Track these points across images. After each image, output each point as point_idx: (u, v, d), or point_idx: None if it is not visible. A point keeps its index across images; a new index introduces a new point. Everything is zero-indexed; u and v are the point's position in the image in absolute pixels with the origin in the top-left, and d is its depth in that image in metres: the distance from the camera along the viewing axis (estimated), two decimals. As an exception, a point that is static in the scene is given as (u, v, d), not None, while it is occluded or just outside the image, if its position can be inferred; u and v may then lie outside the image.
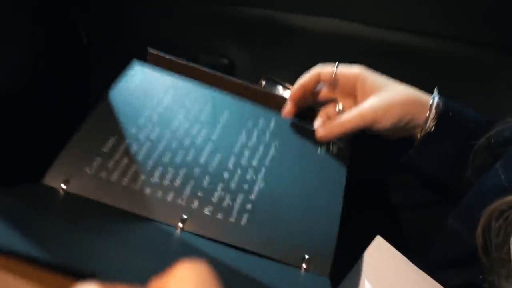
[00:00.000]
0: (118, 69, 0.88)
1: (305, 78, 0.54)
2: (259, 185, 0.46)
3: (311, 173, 0.49)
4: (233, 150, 0.48)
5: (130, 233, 0.38)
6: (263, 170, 0.47)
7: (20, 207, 0.35)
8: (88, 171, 0.42)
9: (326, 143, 0.52)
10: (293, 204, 0.45)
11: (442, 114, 0.49)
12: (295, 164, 0.49)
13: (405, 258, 0.45)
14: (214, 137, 0.49)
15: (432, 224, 0.51)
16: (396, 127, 0.49)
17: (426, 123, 0.49)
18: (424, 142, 0.50)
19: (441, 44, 0.69)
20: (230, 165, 0.47)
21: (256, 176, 0.46)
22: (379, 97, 0.49)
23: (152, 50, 0.58)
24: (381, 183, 0.70)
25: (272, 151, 0.49)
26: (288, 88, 0.84)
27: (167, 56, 0.58)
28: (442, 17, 0.69)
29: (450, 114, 0.49)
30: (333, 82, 0.54)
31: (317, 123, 0.53)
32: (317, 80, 0.54)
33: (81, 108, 0.88)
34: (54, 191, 0.40)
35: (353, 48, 0.74)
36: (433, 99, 0.50)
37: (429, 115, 0.49)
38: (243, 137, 0.50)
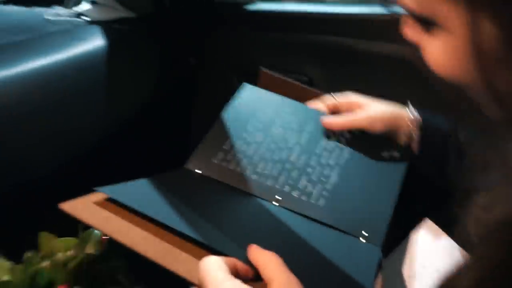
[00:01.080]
0: (220, 84, 1.08)
1: (320, 107, 0.69)
2: (333, 178, 0.60)
3: (375, 172, 0.62)
4: (315, 152, 0.63)
5: (241, 208, 0.56)
6: (337, 168, 0.61)
7: (171, 187, 0.53)
8: (214, 161, 0.60)
9: (389, 150, 0.65)
10: (358, 194, 0.59)
11: (420, 125, 0.64)
12: (362, 164, 0.63)
13: (448, 238, 0.55)
14: (302, 141, 0.64)
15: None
16: (385, 131, 0.64)
17: (410, 133, 0.64)
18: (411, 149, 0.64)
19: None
20: (313, 162, 0.62)
21: (332, 172, 0.61)
22: (371, 106, 0.65)
23: (263, 69, 0.75)
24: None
25: (345, 154, 0.63)
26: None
27: (276, 75, 0.75)
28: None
29: (425, 123, 0.63)
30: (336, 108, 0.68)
31: (327, 120, 0.66)
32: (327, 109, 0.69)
33: (190, 111, 1.10)
34: (192, 173, 0.58)
35: (412, 68, 0.86)
36: (410, 113, 0.64)
37: (411, 127, 0.64)
38: (323, 142, 0.64)
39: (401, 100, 0.90)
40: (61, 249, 0.54)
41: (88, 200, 0.46)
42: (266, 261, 0.40)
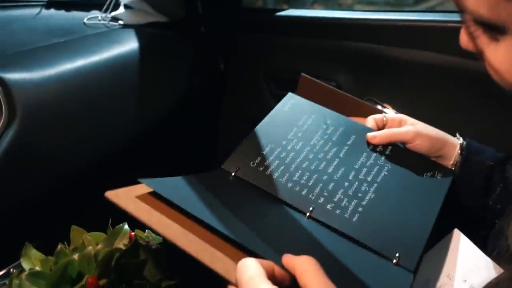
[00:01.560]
0: (247, 89, 1.09)
1: (368, 125, 0.68)
2: (370, 195, 0.58)
3: (415, 193, 0.60)
4: (354, 167, 0.61)
5: (274, 215, 0.55)
6: (375, 185, 0.59)
7: (207, 186, 0.54)
8: (251, 164, 0.59)
9: (432, 171, 0.63)
10: (395, 214, 0.57)
11: (465, 154, 0.62)
12: (401, 183, 0.61)
13: (478, 249, 0.53)
14: (341, 154, 0.63)
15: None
16: (430, 149, 0.62)
17: (453, 159, 0.62)
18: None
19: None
20: (350, 177, 0.60)
21: (369, 188, 0.59)
22: (418, 124, 0.64)
23: (304, 75, 0.75)
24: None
25: (384, 171, 0.61)
26: (386, 107, 0.97)
27: (315, 80, 0.75)
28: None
29: (472, 154, 0.62)
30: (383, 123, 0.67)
31: (372, 133, 0.65)
32: (374, 125, 0.67)
33: (218, 114, 1.11)
34: (228, 175, 0.58)
35: (440, 75, 0.85)
36: (459, 140, 0.63)
37: (455, 153, 0.62)
38: (363, 157, 0.63)
39: (431, 107, 0.90)
40: (91, 243, 0.56)
41: (130, 191, 0.47)
42: (304, 266, 0.38)
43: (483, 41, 0.35)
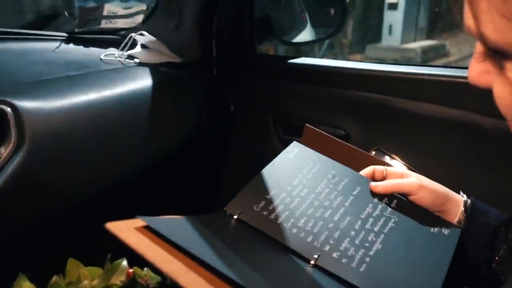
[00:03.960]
0: (256, 131, 1.10)
1: (366, 171, 0.68)
2: (377, 246, 0.57)
3: (421, 246, 0.59)
4: (360, 216, 0.61)
5: (277, 260, 0.54)
6: (382, 235, 0.59)
7: (209, 227, 0.53)
8: (255, 208, 0.58)
9: (438, 226, 0.62)
10: (403, 267, 0.56)
11: (469, 213, 0.62)
12: (408, 236, 0.60)
13: None
14: (347, 204, 0.62)
15: None
16: (433, 203, 0.62)
17: (457, 216, 0.62)
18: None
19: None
20: (357, 226, 0.59)
21: (376, 239, 0.58)
22: (421, 178, 0.64)
23: (308, 125, 0.75)
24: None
25: (391, 223, 0.61)
26: (394, 159, 0.97)
27: (319, 130, 0.75)
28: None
29: (477, 213, 0.61)
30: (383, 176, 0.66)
31: (373, 184, 0.65)
32: (372, 174, 0.67)
33: (225, 155, 1.11)
34: (230, 217, 0.57)
35: (449, 130, 0.86)
36: (463, 197, 0.63)
37: (459, 210, 0.62)
38: (369, 208, 0.63)
39: (439, 161, 0.90)
40: (87, 277, 0.54)
41: (130, 225, 0.46)
42: None
43: (491, 73, 0.35)
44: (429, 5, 5.72)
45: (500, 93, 0.35)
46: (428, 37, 5.63)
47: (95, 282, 0.54)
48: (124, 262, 0.56)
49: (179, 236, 0.46)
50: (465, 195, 0.64)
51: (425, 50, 5.30)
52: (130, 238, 0.44)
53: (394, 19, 5.50)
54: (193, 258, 0.44)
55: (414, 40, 5.61)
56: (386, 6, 5.56)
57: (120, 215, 0.47)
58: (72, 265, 0.56)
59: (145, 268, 0.57)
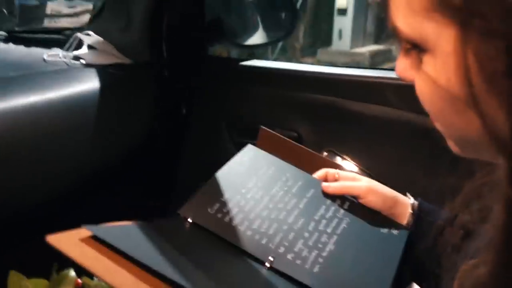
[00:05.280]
0: (208, 134, 1.09)
1: (319, 174, 0.70)
2: (330, 247, 0.59)
3: (372, 247, 0.61)
4: (314, 218, 0.62)
5: (232, 263, 0.53)
6: (335, 237, 0.60)
7: (160, 232, 0.52)
8: (210, 211, 0.58)
9: (388, 227, 0.64)
10: (355, 267, 0.57)
11: (417, 214, 0.65)
12: (359, 237, 0.62)
13: None
14: (301, 205, 0.63)
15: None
16: (382, 206, 0.65)
17: (406, 218, 0.65)
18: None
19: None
20: (310, 227, 0.60)
21: (329, 240, 0.59)
22: (372, 182, 0.67)
23: (263, 128, 0.76)
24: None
25: (343, 224, 0.62)
26: (346, 159, 0.99)
27: (274, 133, 0.76)
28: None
29: (423, 215, 0.64)
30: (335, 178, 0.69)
31: (325, 184, 0.67)
32: (325, 177, 0.69)
33: (177, 158, 1.09)
34: (183, 221, 0.56)
35: (396, 130, 0.89)
36: (410, 199, 0.66)
37: (407, 213, 0.65)
38: (322, 210, 0.64)
39: (388, 161, 0.93)
40: (30, 291, 0.51)
41: (74, 236, 0.44)
42: None
43: (412, 68, 0.36)
44: (376, 12, 5.93)
45: (420, 88, 0.35)
46: (375, 42, 5.84)
47: (39, 295, 0.51)
48: (72, 273, 0.54)
49: (128, 245, 0.44)
50: (412, 198, 0.68)
51: (373, 55, 5.49)
52: (73, 251, 0.41)
53: (343, 24, 5.65)
54: (144, 268, 0.42)
55: (363, 45, 5.79)
56: (336, 11, 5.71)
57: (67, 224, 0.45)
58: (14, 277, 0.53)
59: (95, 278, 0.55)
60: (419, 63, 0.35)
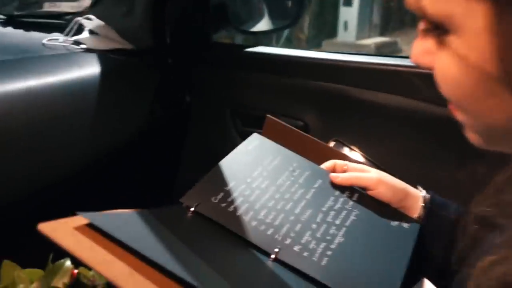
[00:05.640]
0: (212, 122, 1.06)
1: (327, 164, 0.67)
2: (339, 239, 0.56)
3: (382, 240, 0.59)
4: (322, 209, 0.59)
5: (236, 254, 0.51)
6: (343, 228, 0.58)
7: (161, 221, 0.49)
8: (213, 200, 0.56)
9: (398, 220, 0.62)
10: (364, 260, 0.55)
11: (428, 208, 0.63)
12: (369, 230, 0.59)
13: None
14: (308, 196, 0.61)
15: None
16: (392, 198, 0.62)
17: (417, 212, 0.62)
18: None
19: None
20: (318, 219, 0.58)
21: (337, 232, 0.57)
22: (381, 173, 0.65)
23: (270, 116, 0.73)
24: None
25: (352, 216, 0.60)
26: (353, 150, 0.96)
27: (280, 122, 0.73)
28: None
29: (435, 208, 0.62)
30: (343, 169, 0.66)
31: (333, 174, 0.64)
32: (333, 168, 0.66)
33: (180, 145, 1.07)
34: (186, 209, 0.54)
35: (408, 120, 0.86)
36: (421, 192, 0.64)
37: (419, 206, 0.62)
38: (330, 201, 0.61)
39: (398, 151, 0.90)
40: (24, 281, 0.49)
41: (68, 224, 0.41)
42: None
43: (431, 51, 0.35)
44: (382, 3, 5.87)
45: (445, 70, 0.34)
46: (381, 34, 5.78)
47: (34, 285, 0.49)
48: (68, 263, 0.51)
49: (126, 234, 0.42)
50: (423, 191, 0.65)
51: (379, 46, 5.44)
52: (66, 240, 0.39)
53: (349, 15, 5.59)
54: (142, 258, 0.40)
55: (368, 36, 5.74)
56: (341, 2, 5.65)
57: (64, 213, 0.42)
58: (7, 267, 0.50)
59: (92, 268, 0.53)
60: (439, 45, 0.33)
